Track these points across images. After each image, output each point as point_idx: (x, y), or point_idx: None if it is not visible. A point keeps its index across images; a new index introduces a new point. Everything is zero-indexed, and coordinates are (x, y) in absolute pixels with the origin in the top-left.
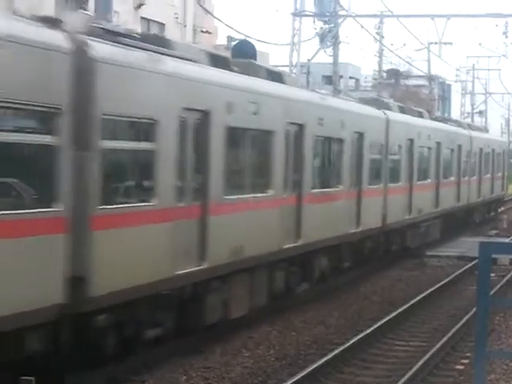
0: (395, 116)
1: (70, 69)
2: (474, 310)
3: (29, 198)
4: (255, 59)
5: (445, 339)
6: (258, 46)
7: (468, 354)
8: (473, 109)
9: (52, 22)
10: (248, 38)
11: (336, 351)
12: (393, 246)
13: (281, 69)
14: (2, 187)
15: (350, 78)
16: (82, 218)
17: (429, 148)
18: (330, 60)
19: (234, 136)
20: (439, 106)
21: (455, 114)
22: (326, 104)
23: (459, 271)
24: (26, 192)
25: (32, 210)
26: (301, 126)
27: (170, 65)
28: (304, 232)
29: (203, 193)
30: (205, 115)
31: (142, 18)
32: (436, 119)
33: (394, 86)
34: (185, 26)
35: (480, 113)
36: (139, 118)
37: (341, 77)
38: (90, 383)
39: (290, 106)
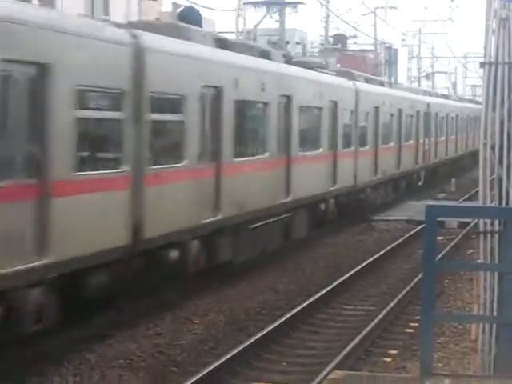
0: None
1: (129, 58)
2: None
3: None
4: (200, 26)
5: (394, 302)
6: (204, 13)
7: (417, 317)
8: (419, 73)
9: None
10: (193, 5)
11: (285, 317)
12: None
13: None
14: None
15: (297, 43)
16: (139, 176)
17: (391, 114)
18: (277, 26)
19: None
20: (386, 70)
21: (402, 78)
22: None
23: (407, 235)
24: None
25: (109, 171)
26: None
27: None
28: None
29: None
30: None
31: None
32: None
33: (340, 51)
34: None
35: (427, 77)
36: (173, 95)
37: (287, 43)
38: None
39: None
